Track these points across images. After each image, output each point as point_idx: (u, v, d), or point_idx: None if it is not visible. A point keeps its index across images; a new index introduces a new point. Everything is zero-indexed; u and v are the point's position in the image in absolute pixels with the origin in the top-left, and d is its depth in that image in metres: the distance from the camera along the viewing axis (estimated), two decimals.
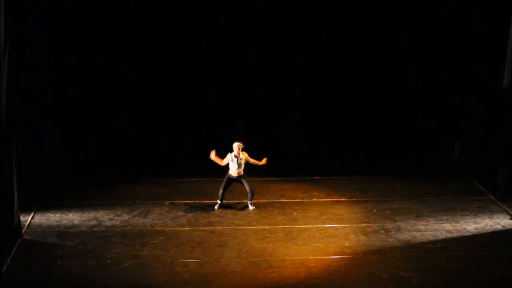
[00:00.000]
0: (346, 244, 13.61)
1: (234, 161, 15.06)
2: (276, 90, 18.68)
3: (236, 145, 15.02)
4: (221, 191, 15.25)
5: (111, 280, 12.15)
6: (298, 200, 15.97)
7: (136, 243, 13.64)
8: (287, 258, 12.98)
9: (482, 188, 16.65)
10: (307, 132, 18.83)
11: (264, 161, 15.36)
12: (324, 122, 18.87)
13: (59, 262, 12.78)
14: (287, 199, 16.04)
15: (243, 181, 15.28)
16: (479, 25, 17.32)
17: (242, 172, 15.20)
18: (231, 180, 15.28)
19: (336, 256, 13.10)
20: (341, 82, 18.73)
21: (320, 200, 15.99)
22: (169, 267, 12.63)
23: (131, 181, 17.12)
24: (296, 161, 18.44)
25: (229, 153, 15.09)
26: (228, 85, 18.54)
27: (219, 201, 15.30)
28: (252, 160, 15.26)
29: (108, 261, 12.85)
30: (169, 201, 15.75)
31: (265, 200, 15.92)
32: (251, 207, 15.32)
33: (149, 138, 18.40)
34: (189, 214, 15.02)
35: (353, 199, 16.05)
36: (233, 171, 15.14)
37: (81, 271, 12.47)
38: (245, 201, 15.87)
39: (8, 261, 12.74)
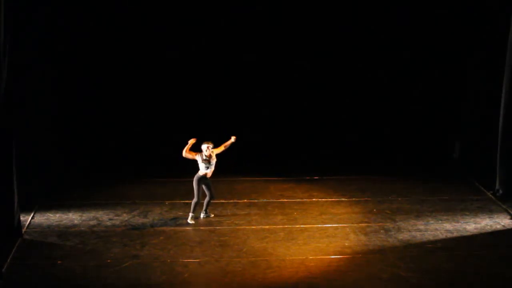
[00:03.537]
0: (346, 244, 13.61)
1: (205, 162, 14.38)
2: (276, 90, 18.68)
3: (205, 147, 14.31)
4: (195, 199, 14.47)
5: (111, 280, 12.15)
6: (298, 200, 15.98)
7: (136, 243, 13.64)
8: (287, 258, 12.98)
9: (482, 188, 16.66)
10: (307, 131, 18.83)
11: (232, 139, 14.49)
12: (324, 122, 18.86)
13: (59, 262, 12.78)
14: (287, 199, 16.04)
15: (209, 184, 14.57)
16: (479, 25, 17.34)
17: (211, 173, 14.51)
18: (201, 180, 14.48)
19: (336, 256, 13.10)
20: (341, 82, 18.73)
21: (320, 200, 15.99)
22: (169, 267, 12.63)
23: (131, 181, 17.13)
24: (296, 161, 18.43)
25: (199, 153, 14.35)
26: (228, 85, 18.53)
27: (191, 213, 14.63)
28: (222, 148, 14.45)
29: (108, 261, 12.85)
30: (168, 201, 15.78)
31: (265, 200, 15.92)
32: (203, 215, 14.73)
33: (149, 138, 18.39)
34: (189, 214, 14.99)
35: (353, 199, 16.05)
36: (204, 172, 14.41)
37: (81, 271, 12.46)
38: (245, 200, 15.89)
39: (8, 261, 12.74)
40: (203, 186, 14.56)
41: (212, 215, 14.85)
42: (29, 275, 12.32)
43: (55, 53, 17.22)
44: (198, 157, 14.39)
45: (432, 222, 14.72)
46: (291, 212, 15.23)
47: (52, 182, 16.54)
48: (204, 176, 14.49)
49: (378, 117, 18.92)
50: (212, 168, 14.47)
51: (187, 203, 15.42)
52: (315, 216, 15.04)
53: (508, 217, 15.03)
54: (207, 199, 14.72)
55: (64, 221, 14.69)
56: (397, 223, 14.64)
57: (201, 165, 14.44)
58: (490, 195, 16.20)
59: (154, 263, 12.79)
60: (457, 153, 18.61)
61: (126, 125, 18.41)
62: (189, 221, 14.58)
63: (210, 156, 14.39)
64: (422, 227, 14.44)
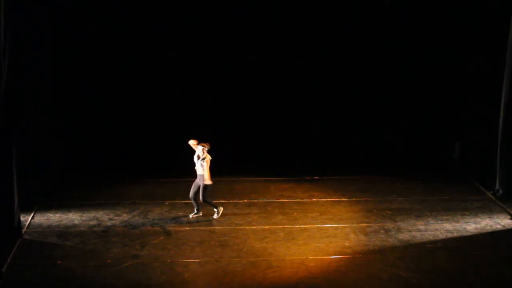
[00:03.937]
0: (346, 244, 13.61)
1: (197, 160, 14.45)
2: (276, 90, 18.67)
3: (201, 148, 14.34)
4: (191, 196, 14.65)
5: (111, 280, 12.15)
6: (298, 200, 15.97)
7: (136, 243, 13.64)
8: (287, 258, 12.98)
9: (482, 188, 16.66)
10: (307, 131, 18.82)
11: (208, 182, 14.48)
12: (324, 122, 18.84)
13: (59, 262, 12.79)
14: (287, 199, 16.04)
15: (201, 185, 14.42)
16: (479, 25, 17.33)
17: (200, 172, 14.43)
18: (196, 180, 14.61)
19: (336, 256, 13.10)
20: (341, 82, 18.72)
21: (320, 200, 15.99)
22: (169, 267, 12.63)
23: (131, 181, 17.13)
24: (296, 161, 18.42)
25: (197, 148, 14.44)
26: (228, 85, 18.53)
27: (195, 209, 14.86)
28: (206, 168, 14.35)
29: (108, 261, 12.86)
30: (168, 201, 15.79)
31: (265, 200, 15.92)
32: (194, 214, 14.74)
33: (149, 138, 18.39)
34: (189, 214, 15.00)
35: (353, 199, 16.05)
36: (197, 170, 14.51)
37: (81, 271, 12.47)
38: (245, 200, 15.89)
39: (8, 261, 12.74)
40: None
41: (211, 218, 14.75)
42: (29, 275, 12.33)
43: (55, 53, 17.21)
44: (196, 151, 14.47)
45: (432, 222, 14.72)
46: (291, 212, 15.23)
47: (52, 182, 16.55)
48: (197, 175, 14.56)
49: (378, 117, 18.91)
50: (197, 167, 14.43)
51: (187, 203, 15.43)
52: (315, 216, 15.04)
53: (508, 217, 15.03)
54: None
55: (64, 221, 14.69)
56: (397, 223, 14.64)
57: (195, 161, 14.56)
58: (490, 195, 16.20)
59: (154, 263, 12.79)
60: (457, 153, 18.60)
61: (126, 125, 18.40)
62: (190, 215, 14.85)
63: (199, 157, 14.39)
64: (422, 227, 14.44)
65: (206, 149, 14.44)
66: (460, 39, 18.04)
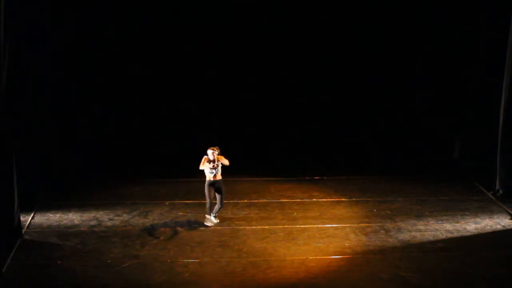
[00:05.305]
0: (346, 244, 13.61)
1: (212, 168, 14.15)
2: (276, 90, 18.68)
3: (210, 152, 14.08)
4: (207, 204, 14.35)
5: (111, 280, 12.15)
6: (298, 200, 15.97)
7: (136, 243, 13.64)
8: (287, 258, 12.98)
9: (482, 188, 16.65)
10: (307, 132, 18.83)
11: (226, 162, 14.22)
12: (325, 122, 18.85)
13: (59, 262, 12.79)
14: (287, 199, 16.03)
15: (218, 188, 14.30)
16: (479, 25, 17.33)
17: (219, 177, 14.22)
18: (210, 185, 14.28)
19: (336, 256, 13.10)
20: (341, 82, 18.72)
21: (320, 200, 15.99)
22: (169, 267, 12.63)
23: (131, 181, 17.12)
24: (296, 161, 18.42)
25: (206, 158, 14.14)
26: (228, 85, 18.53)
27: (207, 216, 14.40)
28: (225, 161, 14.16)
29: (108, 261, 12.86)
30: (168, 201, 15.79)
31: (265, 200, 15.92)
32: (214, 220, 14.38)
33: (149, 138, 18.38)
34: (189, 214, 15.01)
35: (353, 199, 16.05)
36: (209, 176, 14.19)
37: (81, 271, 12.47)
38: (245, 200, 15.88)
39: (8, 261, 12.74)
40: (215, 192, 14.34)
41: (218, 221, 14.55)
42: (29, 275, 12.33)
43: (55, 53, 17.20)
44: (206, 163, 14.20)
45: (432, 222, 14.72)
46: (291, 212, 15.23)
47: (52, 182, 16.54)
48: (213, 181, 14.22)
49: (378, 117, 18.90)
50: (218, 172, 14.24)
51: (187, 203, 15.45)
52: (315, 216, 15.04)
53: (508, 217, 15.03)
54: (217, 206, 14.42)
55: (64, 221, 14.69)
56: (397, 223, 14.64)
57: (207, 170, 14.27)
58: (490, 195, 16.20)
59: (154, 263, 12.79)
60: (457, 153, 18.60)
61: (126, 125, 18.40)
62: (206, 223, 14.36)
63: (215, 161, 14.19)
64: (422, 227, 14.44)
65: (216, 153, 14.17)
66: (460, 39, 18.03)
